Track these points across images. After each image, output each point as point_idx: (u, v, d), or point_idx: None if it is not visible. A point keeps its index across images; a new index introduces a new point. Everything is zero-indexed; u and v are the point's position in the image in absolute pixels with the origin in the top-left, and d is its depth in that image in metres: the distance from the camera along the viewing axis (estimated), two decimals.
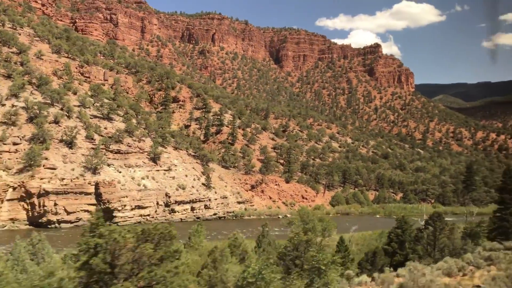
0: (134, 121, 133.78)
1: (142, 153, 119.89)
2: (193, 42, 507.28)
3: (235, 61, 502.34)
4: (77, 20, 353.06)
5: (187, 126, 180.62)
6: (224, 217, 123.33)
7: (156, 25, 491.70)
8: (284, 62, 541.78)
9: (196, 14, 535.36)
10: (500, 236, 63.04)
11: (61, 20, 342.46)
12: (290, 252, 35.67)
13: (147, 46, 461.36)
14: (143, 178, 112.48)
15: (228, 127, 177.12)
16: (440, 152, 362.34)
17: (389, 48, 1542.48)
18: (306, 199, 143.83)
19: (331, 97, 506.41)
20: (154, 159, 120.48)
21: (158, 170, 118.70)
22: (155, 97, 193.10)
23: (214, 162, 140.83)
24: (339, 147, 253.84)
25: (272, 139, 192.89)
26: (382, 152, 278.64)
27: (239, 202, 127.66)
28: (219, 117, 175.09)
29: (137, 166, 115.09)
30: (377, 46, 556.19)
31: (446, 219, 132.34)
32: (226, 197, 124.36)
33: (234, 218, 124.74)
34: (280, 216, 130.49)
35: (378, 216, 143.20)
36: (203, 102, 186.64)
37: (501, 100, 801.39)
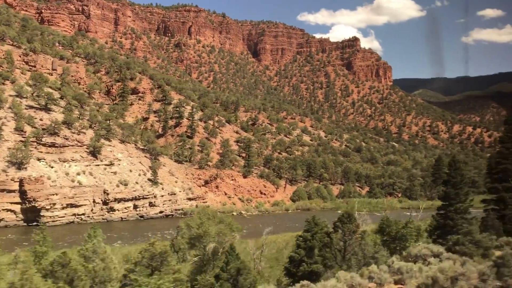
0: (76, 112, 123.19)
1: (80, 146, 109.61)
2: (169, 35, 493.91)
3: (212, 54, 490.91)
4: (43, 11, 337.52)
5: (145, 119, 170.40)
6: (172, 215, 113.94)
7: (130, 17, 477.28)
8: (262, 56, 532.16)
9: (172, 6, 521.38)
10: (444, 236, 55.30)
11: (25, 10, 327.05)
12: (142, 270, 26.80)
13: (121, 38, 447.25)
14: (78, 174, 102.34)
15: (189, 119, 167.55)
16: (415, 146, 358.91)
17: (370, 43, 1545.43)
18: (265, 194, 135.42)
19: (309, 91, 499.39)
20: (94, 153, 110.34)
21: (98, 165, 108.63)
22: (113, 88, 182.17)
23: (166, 156, 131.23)
24: (311, 140, 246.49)
25: (237, 132, 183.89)
26: (355, 146, 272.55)
27: (189, 199, 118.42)
28: (178, 109, 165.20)
29: (73, 160, 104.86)
30: (355, 39, 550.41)
31: (405, 213, 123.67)
32: (174, 194, 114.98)
33: (183, 216, 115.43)
34: (234, 213, 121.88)
35: (339, 211, 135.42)
36: (163, 93, 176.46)
37: (479, 94, 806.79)
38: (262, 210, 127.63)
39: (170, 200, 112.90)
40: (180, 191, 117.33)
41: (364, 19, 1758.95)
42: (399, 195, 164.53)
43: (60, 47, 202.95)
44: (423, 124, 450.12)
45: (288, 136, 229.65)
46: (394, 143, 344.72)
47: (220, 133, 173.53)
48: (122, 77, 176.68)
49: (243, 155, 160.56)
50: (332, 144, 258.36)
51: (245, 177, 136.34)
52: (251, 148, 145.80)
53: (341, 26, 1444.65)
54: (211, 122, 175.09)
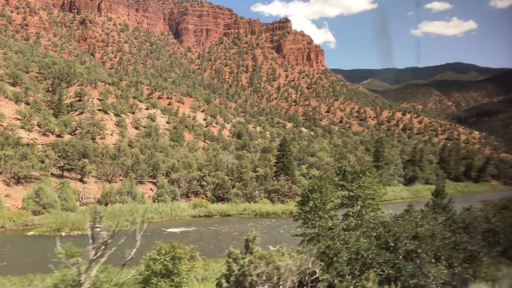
0: None
1: None
2: (75, 11, 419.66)
3: (123, 33, 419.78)
4: None
5: None
6: None
7: None
8: (184, 37, 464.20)
9: None
10: None
11: None
12: None
13: (11, 13, 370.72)
14: None
15: None
16: (331, 132, 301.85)
17: (324, 35, 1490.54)
18: None
19: (233, 75, 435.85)
20: None
21: None
22: None
23: None
24: (167, 123, 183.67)
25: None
26: (240, 131, 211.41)
27: None
28: None
29: None
30: (286, 21, 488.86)
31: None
32: None
33: None
34: None
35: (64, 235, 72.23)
36: None
37: (422, 83, 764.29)
38: None
39: None
40: None
41: (318, 10, 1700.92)
42: (208, 195, 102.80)
43: None
44: (350, 110, 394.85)
45: (127, 115, 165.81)
46: (304, 128, 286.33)
47: None
48: None
49: None
50: (207, 129, 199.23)
51: None
52: None
53: (295, 17, 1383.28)
54: None
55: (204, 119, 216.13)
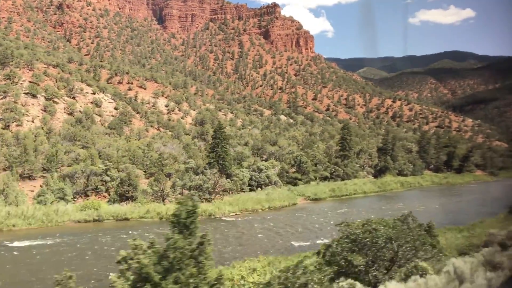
0: None
1: None
2: None
3: (102, 18, 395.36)
4: None
5: None
6: None
7: None
8: (167, 23, 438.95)
9: None
10: None
11: None
12: None
13: None
14: None
15: None
16: (313, 120, 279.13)
17: (322, 24, 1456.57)
18: None
19: (218, 62, 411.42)
20: None
21: None
22: None
23: None
24: (115, 109, 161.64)
25: None
26: (204, 118, 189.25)
27: None
28: None
29: None
30: (274, 6, 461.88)
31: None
32: None
33: None
34: None
35: None
36: None
37: (418, 71, 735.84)
38: None
39: None
40: None
41: None
42: (111, 193, 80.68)
43: None
44: (338, 97, 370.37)
45: (61, 100, 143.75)
46: (283, 116, 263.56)
47: None
48: None
49: None
50: (168, 116, 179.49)
51: None
52: None
53: (292, 6, 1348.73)
54: None
55: (166, 106, 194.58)
